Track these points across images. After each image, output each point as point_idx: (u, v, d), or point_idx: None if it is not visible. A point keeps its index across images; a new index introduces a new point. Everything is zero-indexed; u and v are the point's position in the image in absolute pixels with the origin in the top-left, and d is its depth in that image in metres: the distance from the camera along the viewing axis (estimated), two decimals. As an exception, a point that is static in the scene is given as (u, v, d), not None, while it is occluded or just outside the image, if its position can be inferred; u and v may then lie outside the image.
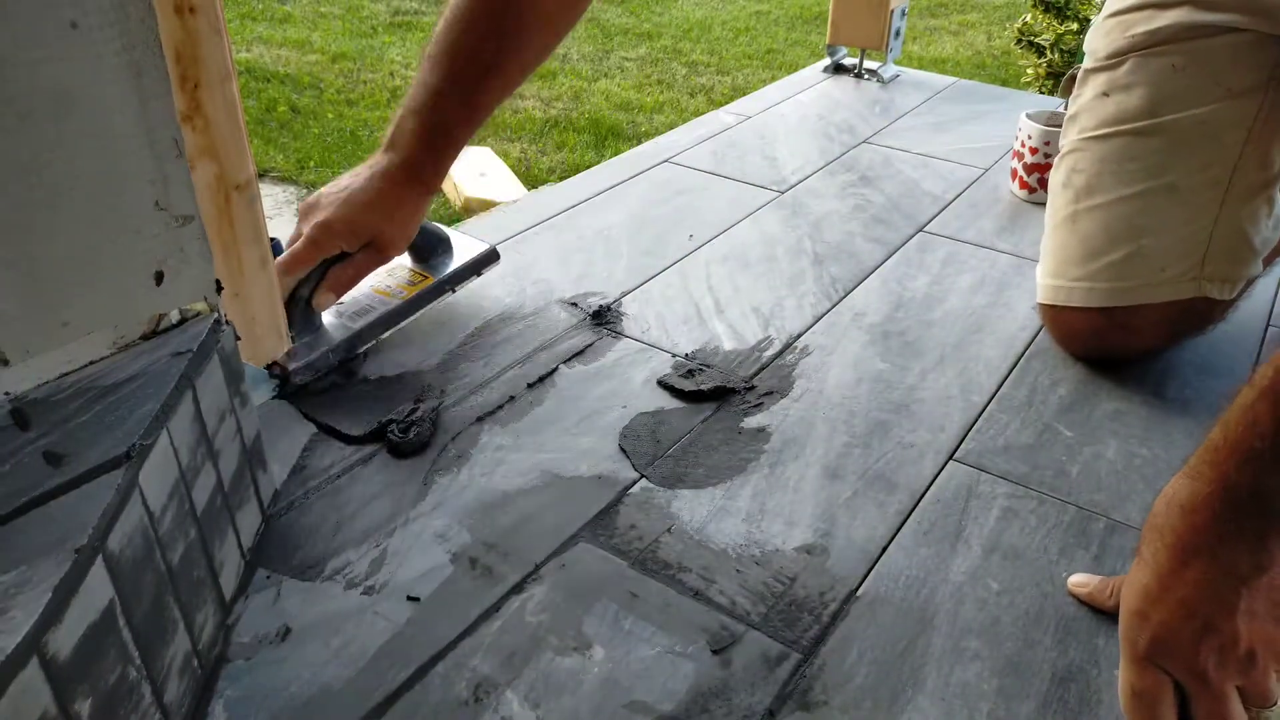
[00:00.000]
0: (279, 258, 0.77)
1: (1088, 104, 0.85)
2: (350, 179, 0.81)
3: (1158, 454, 0.74)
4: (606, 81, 3.84)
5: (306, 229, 0.79)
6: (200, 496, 0.55)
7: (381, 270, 0.86)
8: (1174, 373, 0.85)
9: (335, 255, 0.79)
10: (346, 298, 0.84)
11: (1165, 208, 0.79)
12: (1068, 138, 0.87)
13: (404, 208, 0.81)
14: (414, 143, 0.81)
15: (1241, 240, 0.79)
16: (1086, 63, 0.86)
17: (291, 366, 0.77)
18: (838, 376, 0.83)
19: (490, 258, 0.92)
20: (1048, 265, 0.87)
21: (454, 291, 0.89)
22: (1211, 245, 0.79)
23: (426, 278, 0.88)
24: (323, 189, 0.82)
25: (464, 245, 0.92)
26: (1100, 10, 0.87)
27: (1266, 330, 0.92)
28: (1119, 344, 0.84)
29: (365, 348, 0.83)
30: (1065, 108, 0.90)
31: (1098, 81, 0.84)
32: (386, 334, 0.85)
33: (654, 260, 1.01)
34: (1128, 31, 0.81)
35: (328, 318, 0.82)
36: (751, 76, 3.95)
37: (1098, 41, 0.84)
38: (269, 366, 0.77)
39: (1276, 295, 0.98)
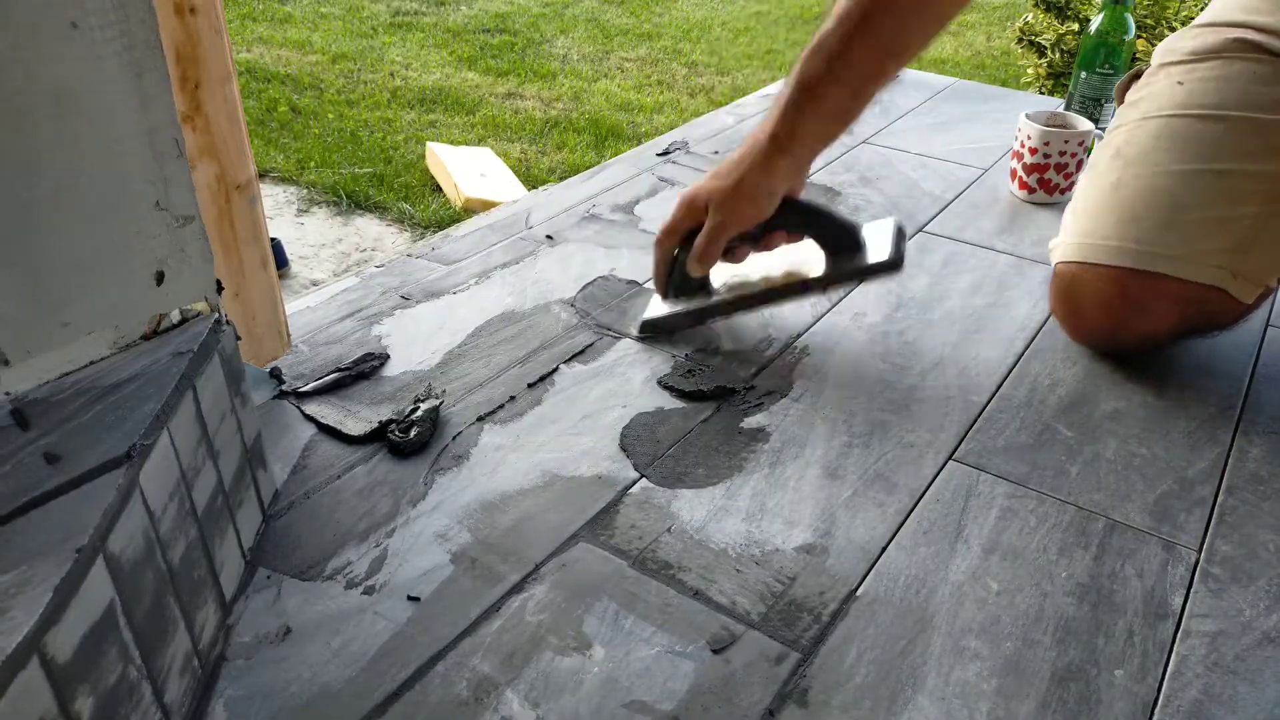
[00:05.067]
0: (663, 225, 0.85)
1: (1157, 90, 0.85)
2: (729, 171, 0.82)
3: (1157, 454, 0.75)
4: (606, 82, 3.84)
5: (680, 209, 0.84)
6: (201, 496, 0.55)
7: (789, 252, 0.86)
8: (1174, 373, 0.85)
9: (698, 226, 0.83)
10: (739, 270, 0.88)
11: (1211, 189, 0.80)
12: (1126, 118, 0.87)
13: (748, 171, 0.80)
14: (775, 104, 0.80)
15: (1278, 247, 0.79)
16: (1164, 59, 0.87)
17: (643, 317, 0.88)
18: (838, 376, 0.83)
19: (882, 269, 0.84)
20: (1078, 226, 0.86)
21: (824, 291, 0.89)
22: (1246, 240, 0.79)
23: (801, 275, 0.86)
24: (706, 180, 0.84)
25: (876, 242, 0.85)
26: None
27: (1266, 331, 0.92)
28: (1127, 322, 0.83)
29: (714, 320, 0.89)
30: (1113, 112, 0.91)
31: (1174, 72, 0.85)
32: (731, 315, 0.89)
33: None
34: (1222, 35, 0.82)
35: (717, 282, 0.88)
36: (751, 77, 3.95)
37: (1184, 43, 0.85)
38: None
39: (1276, 297, 0.98)
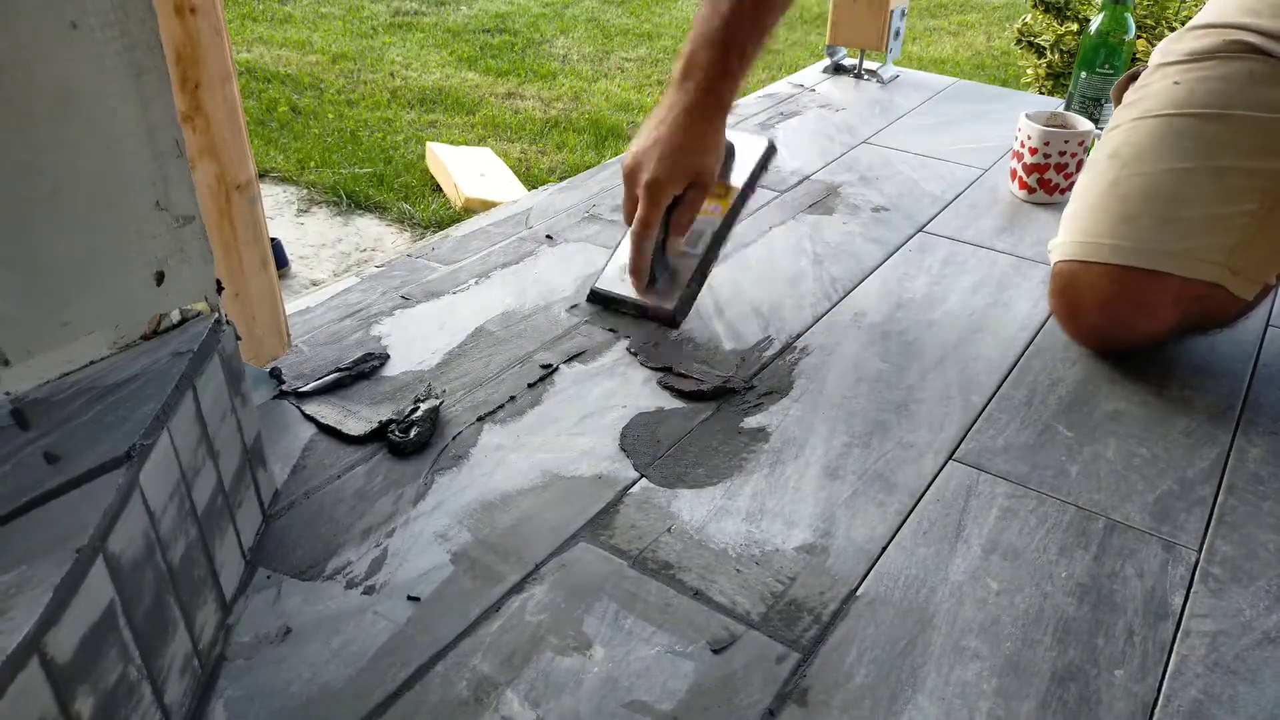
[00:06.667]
0: (633, 225, 0.87)
1: (1154, 90, 0.85)
2: (656, 128, 0.86)
3: (1157, 454, 0.75)
4: (606, 82, 3.84)
5: (639, 191, 0.86)
6: (201, 496, 0.55)
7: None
8: (1174, 373, 0.85)
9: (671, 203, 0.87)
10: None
11: (1209, 187, 0.80)
12: (1123, 119, 0.87)
13: (711, 137, 0.87)
14: (710, 69, 0.85)
15: (1278, 245, 0.79)
16: (1162, 60, 0.87)
17: (671, 306, 0.89)
18: (838, 376, 0.83)
19: (770, 152, 0.95)
20: (1076, 226, 0.86)
21: (753, 191, 0.94)
22: (1245, 237, 0.79)
23: (728, 188, 0.93)
24: (634, 144, 0.87)
25: (744, 145, 0.95)
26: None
27: (1266, 331, 0.92)
28: (1127, 321, 0.83)
29: (715, 266, 0.93)
30: (1111, 110, 0.92)
31: (1170, 72, 0.85)
32: (724, 248, 0.93)
33: (654, 260, 1.01)
34: (1220, 37, 0.83)
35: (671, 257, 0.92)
36: (751, 77, 3.95)
37: (1182, 44, 0.86)
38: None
39: (1276, 296, 0.98)
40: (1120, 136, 0.86)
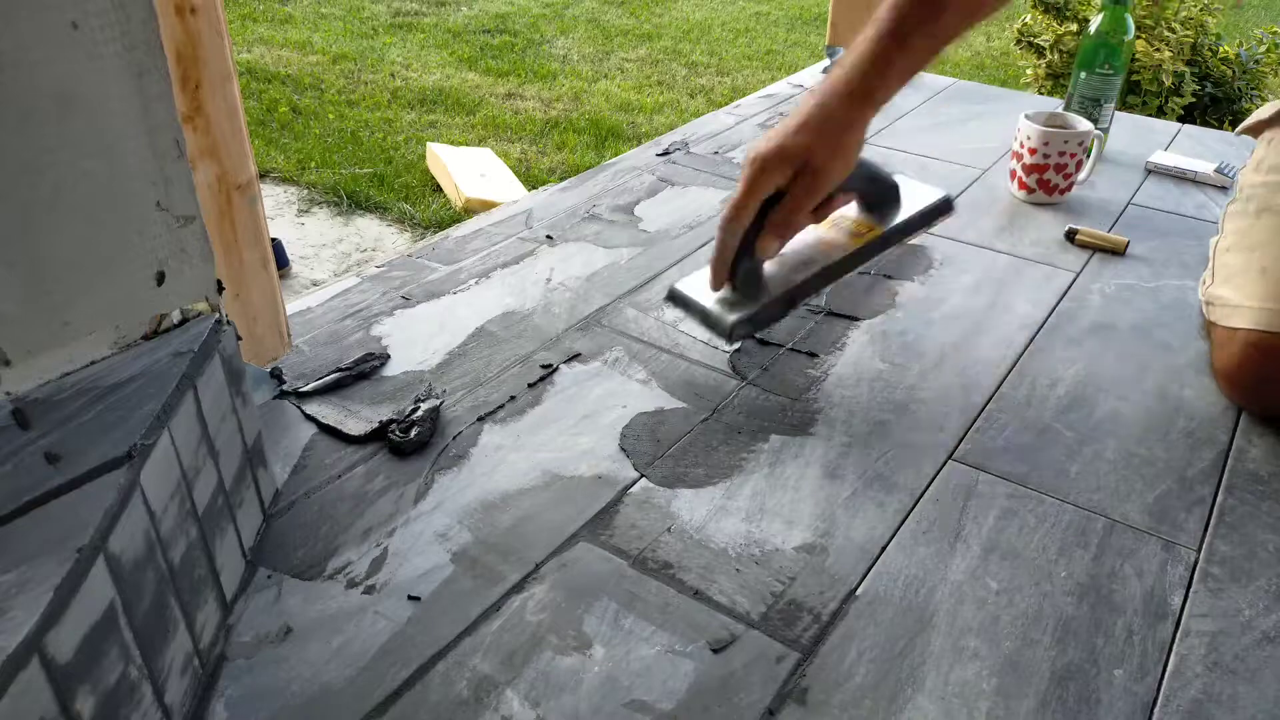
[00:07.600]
0: (723, 213, 0.75)
1: None
2: (791, 114, 0.74)
3: (1156, 454, 0.75)
4: (606, 82, 3.84)
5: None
6: (201, 496, 0.55)
7: (827, 222, 0.81)
8: (1174, 373, 0.85)
9: (774, 196, 0.73)
10: (789, 249, 0.78)
11: None
12: None
13: (835, 121, 0.72)
14: (860, 48, 0.73)
15: None
16: None
17: (731, 319, 0.77)
18: (838, 376, 0.83)
19: (942, 208, 0.83)
20: (1269, 290, 0.77)
21: (902, 243, 0.85)
22: None
23: (873, 229, 0.82)
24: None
25: (914, 193, 0.84)
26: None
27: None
28: None
29: (804, 301, 0.82)
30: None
31: None
32: (827, 287, 0.84)
33: (654, 260, 1.01)
34: None
35: (769, 268, 0.79)
36: (751, 78, 3.95)
37: None
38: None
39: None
40: None
